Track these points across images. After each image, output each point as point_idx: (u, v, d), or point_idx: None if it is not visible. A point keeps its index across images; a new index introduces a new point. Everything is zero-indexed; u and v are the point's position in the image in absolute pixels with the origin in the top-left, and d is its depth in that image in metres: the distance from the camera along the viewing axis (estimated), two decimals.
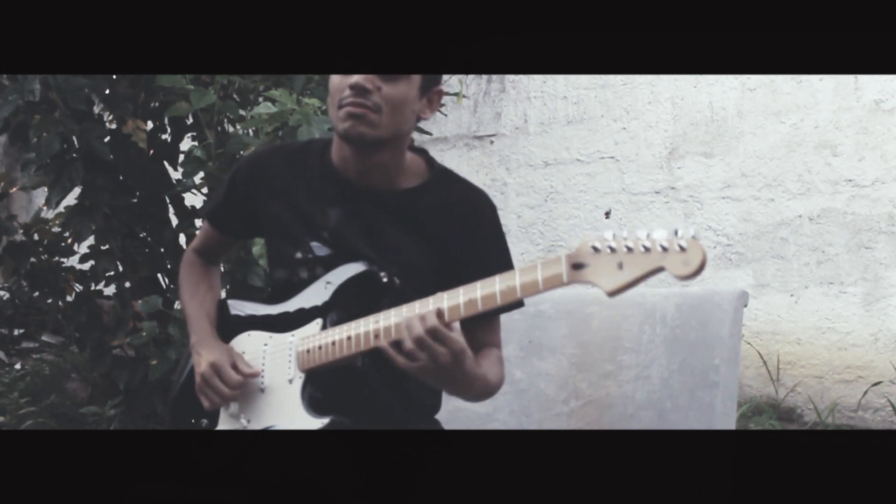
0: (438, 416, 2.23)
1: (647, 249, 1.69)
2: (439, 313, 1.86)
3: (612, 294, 1.72)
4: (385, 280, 2.05)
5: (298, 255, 2.13)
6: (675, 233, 1.67)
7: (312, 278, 2.11)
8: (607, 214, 5.34)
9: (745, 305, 2.37)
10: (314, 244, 2.11)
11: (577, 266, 1.75)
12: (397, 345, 1.89)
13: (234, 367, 2.12)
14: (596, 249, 1.73)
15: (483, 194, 2.17)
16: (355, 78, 1.99)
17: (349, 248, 2.09)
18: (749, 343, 4.80)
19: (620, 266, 1.71)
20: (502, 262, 2.09)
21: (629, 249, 1.70)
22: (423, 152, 2.19)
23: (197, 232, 2.86)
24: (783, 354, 4.84)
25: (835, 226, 4.75)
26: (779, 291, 4.86)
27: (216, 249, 2.39)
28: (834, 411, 4.63)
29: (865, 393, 4.60)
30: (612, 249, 1.72)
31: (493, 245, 2.14)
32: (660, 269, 1.68)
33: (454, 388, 2.01)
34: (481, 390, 2.04)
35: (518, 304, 1.97)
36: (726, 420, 2.31)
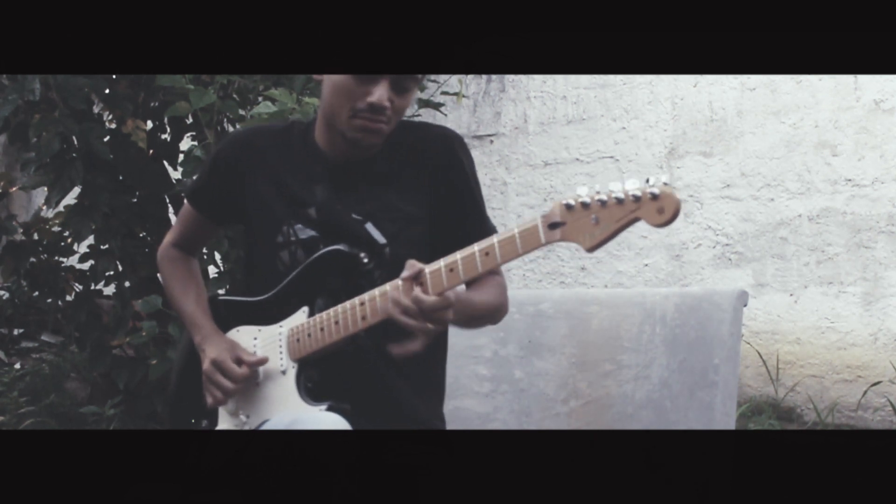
0: None
1: (619, 201, 1.68)
2: (414, 280, 1.87)
3: (591, 250, 1.72)
4: (366, 260, 2.06)
5: (280, 238, 2.13)
6: (647, 181, 1.67)
7: (294, 263, 2.10)
8: None
9: (745, 305, 2.37)
10: (298, 226, 2.12)
11: (553, 226, 1.75)
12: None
13: (237, 359, 2.11)
14: (569, 207, 1.72)
15: (450, 130, 2.20)
16: (377, 97, 2.00)
17: (338, 223, 2.09)
18: (749, 343, 4.80)
19: (597, 221, 1.70)
20: (480, 195, 2.17)
21: (602, 203, 1.69)
22: None
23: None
24: (783, 354, 4.83)
25: (834, 225, 4.74)
26: (778, 291, 4.86)
27: (196, 237, 2.38)
28: (834, 411, 4.63)
29: (865, 393, 4.59)
30: (586, 205, 1.71)
31: (472, 175, 2.17)
32: (635, 220, 1.68)
33: (466, 327, 2.13)
34: (489, 317, 2.13)
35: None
36: (726, 420, 2.31)
